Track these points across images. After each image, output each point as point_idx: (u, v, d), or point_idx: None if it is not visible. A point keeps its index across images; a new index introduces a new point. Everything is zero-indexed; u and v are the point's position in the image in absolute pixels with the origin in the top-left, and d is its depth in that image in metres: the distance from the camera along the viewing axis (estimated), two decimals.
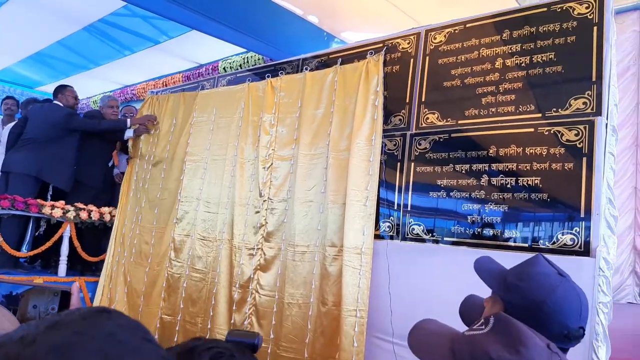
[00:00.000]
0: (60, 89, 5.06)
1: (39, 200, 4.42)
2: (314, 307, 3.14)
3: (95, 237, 4.82)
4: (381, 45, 3.46)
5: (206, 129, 4.22)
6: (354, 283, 2.95)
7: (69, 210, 4.47)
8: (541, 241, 2.53)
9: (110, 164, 5.17)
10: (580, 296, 1.23)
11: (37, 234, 5.12)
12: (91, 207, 4.64)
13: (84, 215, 4.53)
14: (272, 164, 3.65)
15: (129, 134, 4.78)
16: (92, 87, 9.66)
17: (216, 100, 4.25)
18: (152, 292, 4.13)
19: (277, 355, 3.21)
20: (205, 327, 3.63)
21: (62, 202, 4.54)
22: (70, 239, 4.53)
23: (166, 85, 7.81)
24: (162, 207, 4.34)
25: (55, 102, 4.98)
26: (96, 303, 4.38)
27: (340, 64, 3.57)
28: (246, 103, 3.98)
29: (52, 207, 4.42)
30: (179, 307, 3.86)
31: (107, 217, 4.69)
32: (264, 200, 3.60)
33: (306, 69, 3.84)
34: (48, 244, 4.56)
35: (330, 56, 3.77)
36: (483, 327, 1.05)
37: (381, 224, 3.13)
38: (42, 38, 7.52)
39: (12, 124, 5.50)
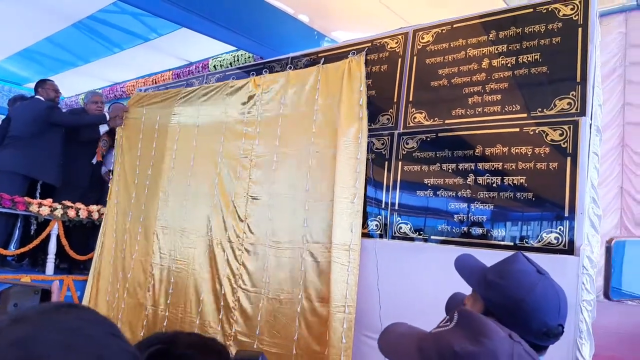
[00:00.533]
0: (41, 83, 5.05)
1: (26, 198, 4.39)
2: (301, 304, 3.15)
3: (83, 235, 4.79)
4: (369, 44, 3.47)
5: (191, 124, 4.26)
6: (342, 280, 2.98)
7: (57, 208, 4.45)
8: (526, 240, 2.56)
9: (94, 162, 5.13)
10: (559, 294, 1.25)
11: (32, 233, 5.08)
12: (79, 205, 4.62)
13: (71, 213, 4.51)
14: (255, 161, 3.69)
15: (104, 128, 4.85)
16: (80, 84, 9.58)
17: (201, 97, 4.27)
18: (138, 285, 4.16)
19: (263, 351, 3.22)
20: (192, 321, 3.66)
21: (50, 200, 4.51)
22: (58, 237, 4.50)
23: (156, 82, 7.77)
24: (149, 202, 4.36)
25: (36, 96, 4.97)
26: (85, 300, 4.37)
27: (329, 63, 3.59)
28: (230, 100, 4.01)
29: (40, 204, 4.39)
30: (165, 302, 3.90)
31: (95, 215, 4.66)
32: (247, 197, 3.64)
33: (295, 67, 3.84)
34: (35, 242, 4.53)
35: (319, 55, 3.78)
36: (448, 323, 1.08)
37: (369, 222, 3.14)
38: (31, 34, 7.46)
39: None
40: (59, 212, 4.44)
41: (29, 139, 4.65)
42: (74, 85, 9.42)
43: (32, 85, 9.76)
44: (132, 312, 4.09)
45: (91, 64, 8.52)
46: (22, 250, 4.66)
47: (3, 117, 5.68)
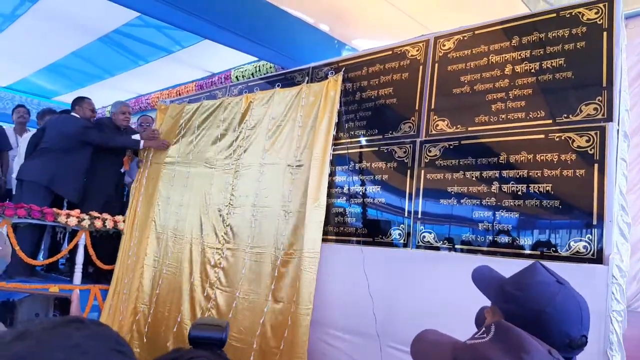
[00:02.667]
0: (78, 101, 5.10)
1: (54, 209, 4.48)
2: (268, 304, 3.45)
3: (109, 245, 4.86)
4: (390, 52, 3.48)
5: (187, 138, 4.65)
6: (304, 283, 3.25)
7: (84, 219, 4.53)
8: (553, 248, 2.51)
9: (122, 170, 5.23)
10: (580, 304, 1.21)
11: (62, 245, 5.17)
12: (106, 215, 4.70)
13: (98, 223, 4.59)
14: (238, 171, 4.03)
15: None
16: (106, 96, 9.76)
17: (199, 112, 4.61)
18: (134, 286, 4.44)
19: (229, 345, 3.43)
20: (175, 318, 3.98)
21: (77, 210, 4.60)
22: (85, 247, 4.59)
23: (180, 94, 7.87)
24: (145, 211, 4.72)
25: (72, 113, 5.05)
26: (105, 309, 4.43)
27: (350, 71, 3.64)
28: (223, 115, 4.36)
29: (68, 215, 4.48)
30: (153, 300, 4.26)
31: (121, 226, 4.74)
32: (228, 205, 3.99)
33: (316, 76, 3.87)
34: (64, 252, 4.61)
35: (340, 64, 3.79)
36: (484, 335, 1.05)
37: (392, 231, 3.13)
38: (58, 49, 7.62)
39: (28, 134, 5.59)
40: (86, 223, 4.52)
41: (57, 153, 4.72)
42: (100, 98, 9.57)
43: (60, 98, 10.06)
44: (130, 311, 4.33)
45: (116, 77, 8.67)
46: (51, 260, 4.75)
47: (33, 130, 5.84)
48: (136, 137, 4.94)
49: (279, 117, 3.89)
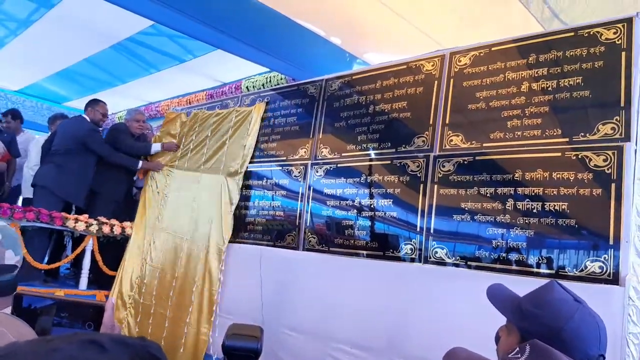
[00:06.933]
0: (92, 103, 5.10)
1: (63, 214, 4.48)
2: (182, 281, 4.19)
3: (116, 251, 4.85)
4: (404, 66, 3.48)
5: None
6: (208, 270, 4.02)
7: (92, 224, 4.52)
8: (568, 268, 2.48)
9: (135, 178, 5.24)
10: (598, 322, 1.20)
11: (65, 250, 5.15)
12: (113, 221, 4.69)
13: (106, 229, 4.58)
14: (173, 175, 4.79)
15: (156, 148, 4.91)
16: (117, 103, 9.82)
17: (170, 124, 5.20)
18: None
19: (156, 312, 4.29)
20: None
21: (86, 215, 4.59)
22: (92, 252, 4.57)
23: (190, 102, 7.90)
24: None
25: (83, 115, 5.06)
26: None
27: (363, 84, 3.65)
28: (185, 128, 4.97)
29: (76, 220, 4.47)
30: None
31: (129, 232, 4.73)
32: (163, 200, 4.71)
33: (329, 88, 3.88)
34: (70, 257, 4.60)
35: (353, 77, 3.80)
36: (518, 355, 1.03)
37: (402, 246, 3.11)
38: (71, 55, 7.68)
39: (23, 135, 5.58)
40: (94, 228, 4.52)
41: (64, 156, 4.73)
42: (111, 105, 9.59)
43: (71, 103, 10.12)
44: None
45: (128, 84, 8.72)
46: (57, 264, 4.74)
47: (42, 134, 5.86)
48: (156, 146, 4.95)
49: (215, 134, 4.57)
